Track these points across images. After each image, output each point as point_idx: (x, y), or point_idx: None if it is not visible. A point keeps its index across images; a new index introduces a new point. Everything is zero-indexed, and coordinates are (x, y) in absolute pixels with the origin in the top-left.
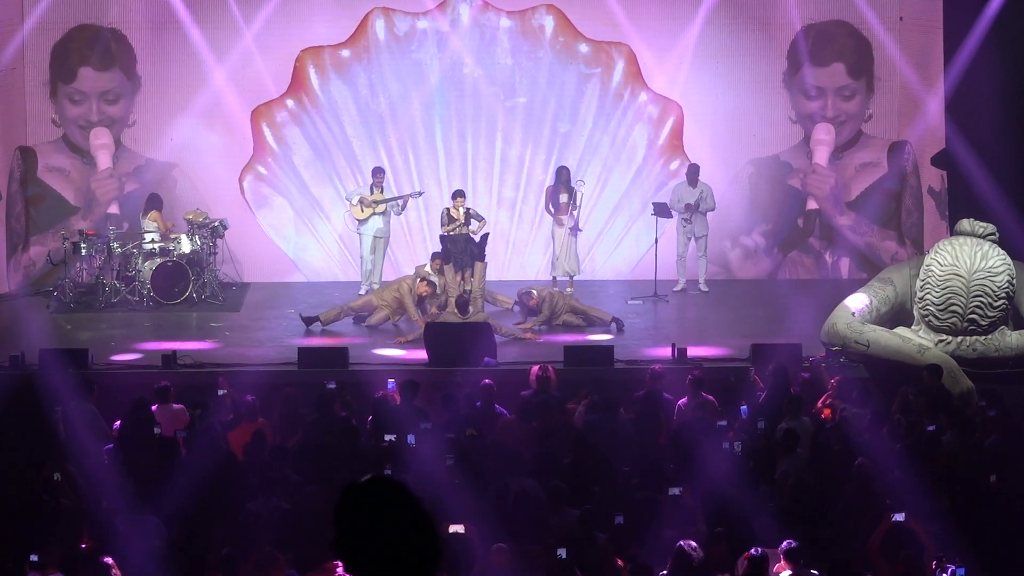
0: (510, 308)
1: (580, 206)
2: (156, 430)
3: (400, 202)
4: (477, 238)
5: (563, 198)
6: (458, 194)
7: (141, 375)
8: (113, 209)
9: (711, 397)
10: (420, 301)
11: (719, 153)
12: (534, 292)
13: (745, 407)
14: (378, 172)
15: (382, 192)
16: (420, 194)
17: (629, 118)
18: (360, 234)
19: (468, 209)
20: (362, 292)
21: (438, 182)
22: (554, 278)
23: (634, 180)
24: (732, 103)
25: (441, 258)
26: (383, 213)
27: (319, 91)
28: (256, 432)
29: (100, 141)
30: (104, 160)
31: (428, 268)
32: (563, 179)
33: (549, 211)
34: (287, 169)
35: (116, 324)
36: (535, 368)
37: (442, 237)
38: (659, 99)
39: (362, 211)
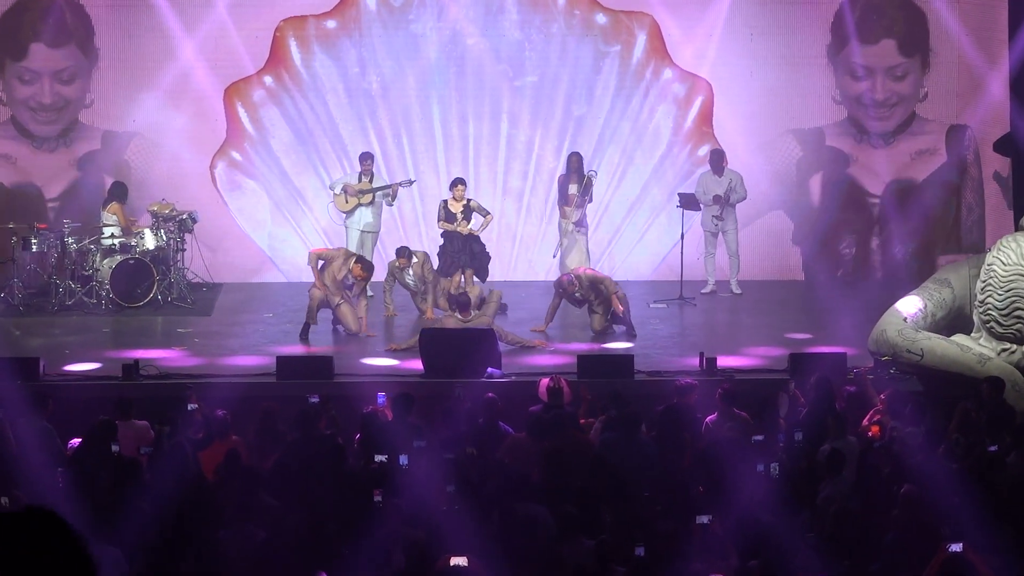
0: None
1: (590, 198)
2: (115, 448)
3: (390, 191)
4: (479, 232)
5: (572, 188)
6: (458, 183)
7: (99, 387)
8: (66, 199)
9: (744, 413)
10: (347, 283)
11: (753, 137)
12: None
13: (783, 424)
14: (366, 158)
15: (370, 181)
16: (412, 182)
17: (652, 98)
18: (345, 228)
19: (469, 201)
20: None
21: (435, 170)
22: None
23: (657, 168)
24: (768, 81)
25: (434, 260)
26: (371, 204)
27: (301, 67)
28: (229, 452)
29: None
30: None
31: (396, 263)
32: (574, 166)
33: (559, 204)
34: (265, 155)
35: (71, 329)
36: (545, 380)
37: (446, 234)
38: (686, 76)
39: (347, 201)
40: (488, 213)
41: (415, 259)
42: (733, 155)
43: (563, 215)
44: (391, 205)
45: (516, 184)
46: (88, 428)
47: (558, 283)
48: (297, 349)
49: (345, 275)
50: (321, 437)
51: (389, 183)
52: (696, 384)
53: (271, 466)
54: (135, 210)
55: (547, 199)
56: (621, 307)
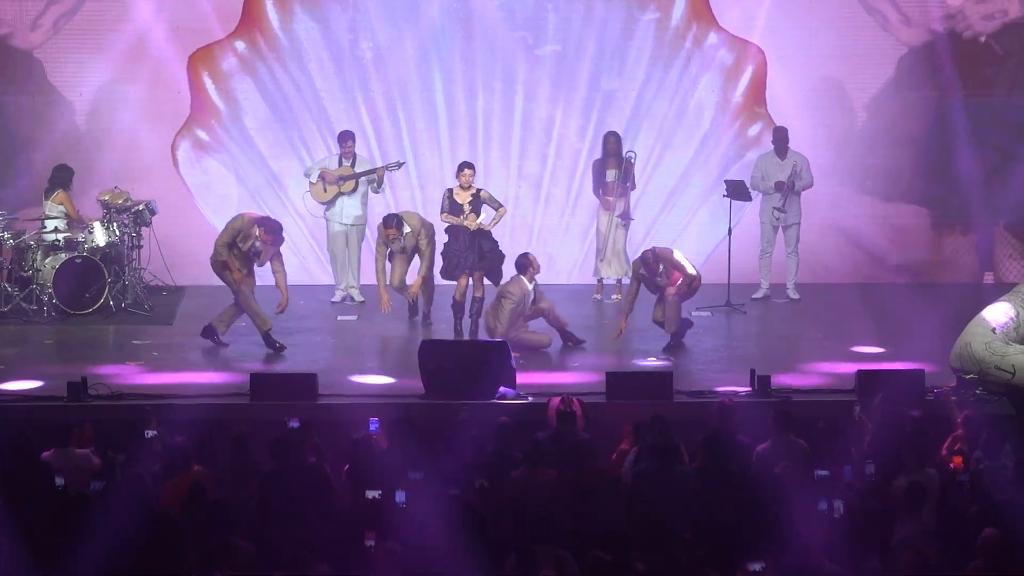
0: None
1: (633, 184)
2: (59, 481)
3: (375, 177)
4: (490, 227)
5: (611, 175)
6: (464, 168)
7: (41, 410)
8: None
9: (802, 441)
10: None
11: (814, 112)
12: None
13: (849, 454)
14: (346, 138)
15: (352, 164)
16: (400, 164)
17: (693, 68)
18: (326, 221)
19: (479, 191)
20: (335, 299)
21: (438, 152)
22: (599, 281)
23: (700, 151)
24: (831, 45)
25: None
26: (354, 192)
27: (279, 31)
28: (193, 485)
29: None
30: None
31: (386, 234)
32: (611, 149)
33: (597, 194)
34: (236, 134)
35: (7, 341)
36: (555, 401)
37: (450, 229)
38: (734, 42)
39: (325, 191)
40: (501, 205)
41: (407, 228)
42: (792, 136)
43: (605, 206)
44: (378, 192)
45: (533, 169)
46: (5, 453)
47: (641, 260)
48: (275, 365)
49: (252, 244)
50: (303, 468)
51: (372, 167)
52: (745, 406)
53: (244, 502)
54: (81, 200)
55: (570, 187)
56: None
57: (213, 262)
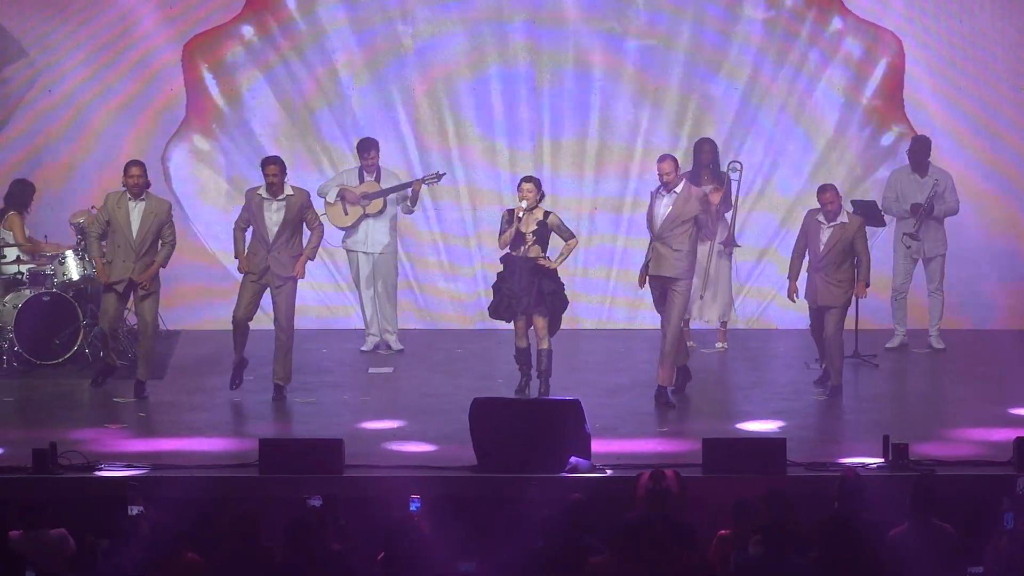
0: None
1: (732, 204)
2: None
3: (408, 193)
4: (557, 265)
5: (705, 190)
6: (523, 182)
7: (2, 483)
8: None
9: (948, 526)
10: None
11: (965, 117)
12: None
13: (1006, 543)
14: (368, 148)
15: (377, 179)
16: (440, 177)
17: (813, 61)
18: (346, 251)
19: (547, 215)
20: (365, 348)
21: (491, 162)
22: (686, 323)
23: (821, 164)
24: (984, 35)
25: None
26: (381, 213)
27: (297, 13)
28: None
29: None
30: None
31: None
32: (706, 159)
33: None
34: (241, 140)
35: None
36: (645, 476)
37: (506, 259)
38: (864, 28)
39: (345, 212)
40: (572, 236)
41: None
42: (935, 147)
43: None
44: (411, 212)
45: (611, 185)
46: None
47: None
48: (291, 428)
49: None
50: (325, 557)
51: (403, 182)
52: (876, 481)
53: None
54: (51, 224)
55: None
56: None
57: None
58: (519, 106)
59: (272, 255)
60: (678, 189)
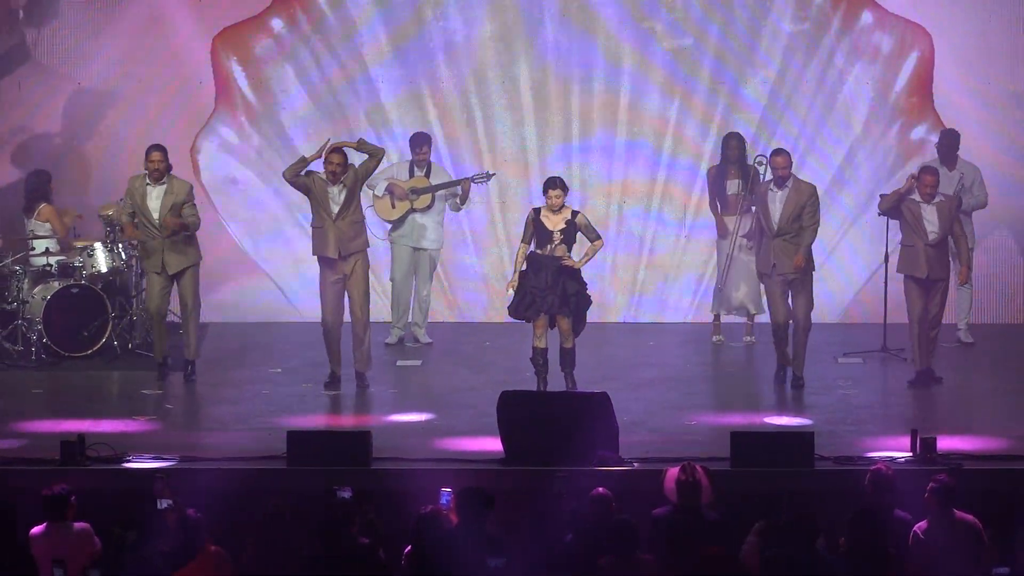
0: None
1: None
2: (58, 573)
3: (458, 191)
4: (582, 264)
5: (732, 186)
6: (549, 186)
7: (27, 475)
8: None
9: (972, 518)
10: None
11: (996, 113)
12: None
13: None
14: (420, 141)
15: (427, 174)
16: (490, 176)
17: (842, 55)
18: (390, 244)
19: (575, 214)
20: (390, 340)
21: (520, 155)
22: (716, 317)
23: (850, 159)
24: (1016, 31)
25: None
26: (429, 209)
27: (326, 6)
28: (213, 569)
29: None
30: None
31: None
32: (733, 155)
33: (714, 207)
34: (271, 133)
35: None
36: (672, 471)
37: (531, 258)
38: (894, 23)
39: (393, 207)
40: (599, 237)
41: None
42: (964, 142)
43: (722, 230)
44: (459, 210)
45: (640, 180)
46: None
47: None
48: (318, 420)
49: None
50: (354, 550)
51: (457, 178)
52: (905, 475)
53: None
54: (80, 215)
55: (689, 200)
56: None
57: None
58: (548, 99)
59: (167, 241)
60: (789, 183)
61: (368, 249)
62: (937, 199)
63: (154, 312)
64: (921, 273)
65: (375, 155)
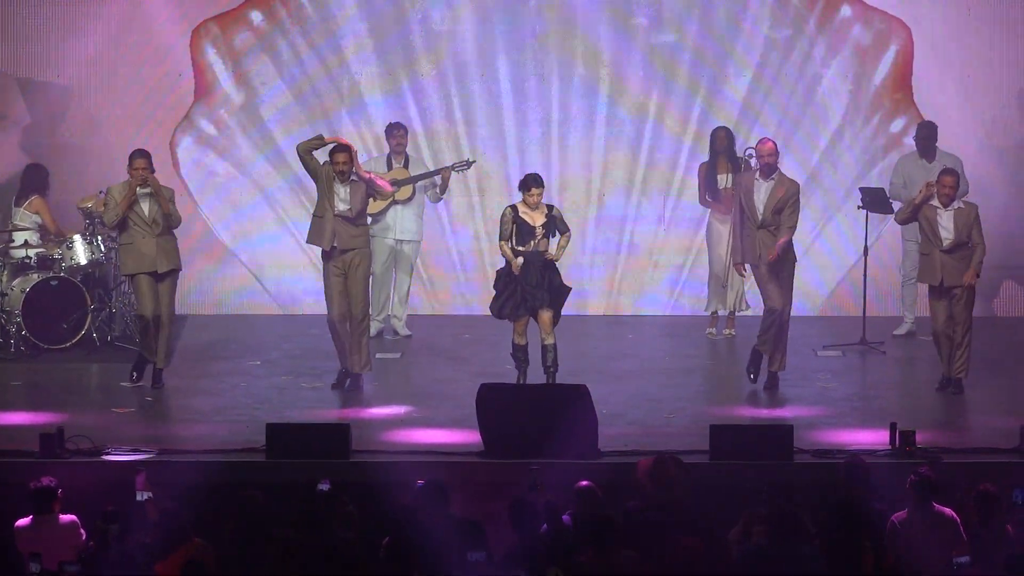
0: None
1: None
2: (35, 567)
3: (437, 180)
4: (558, 257)
5: (723, 180)
6: (532, 183)
7: (7, 468)
8: None
9: (951, 512)
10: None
11: (973, 105)
12: None
13: (1010, 533)
14: (395, 130)
15: (405, 165)
16: (470, 164)
17: (821, 48)
18: (371, 237)
19: (551, 207)
20: (372, 333)
21: (499, 147)
22: (713, 314)
23: (829, 151)
24: (993, 25)
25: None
26: (410, 200)
27: None
28: (190, 563)
29: None
30: None
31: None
32: (722, 145)
33: (705, 202)
34: (250, 127)
35: None
36: (644, 463)
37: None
38: (872, 15)
39: (374, 200)
40: (568, 230)
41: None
42: (942, 134)
43: (717, 220)
44: (438, 201)
45: (619, 173)
46: None
47: None
48: (298, 414)
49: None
50: (334, 542)
51: (434, 168)
52: (883, 468)
53: None
54: (59, 209)
55: (669, 192)
56: None
57: None
58: (527, 92)
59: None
60: (775, 176)
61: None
62: (955, 205)
63: (151, 317)
64: (935, 281)
65: (382, 195)
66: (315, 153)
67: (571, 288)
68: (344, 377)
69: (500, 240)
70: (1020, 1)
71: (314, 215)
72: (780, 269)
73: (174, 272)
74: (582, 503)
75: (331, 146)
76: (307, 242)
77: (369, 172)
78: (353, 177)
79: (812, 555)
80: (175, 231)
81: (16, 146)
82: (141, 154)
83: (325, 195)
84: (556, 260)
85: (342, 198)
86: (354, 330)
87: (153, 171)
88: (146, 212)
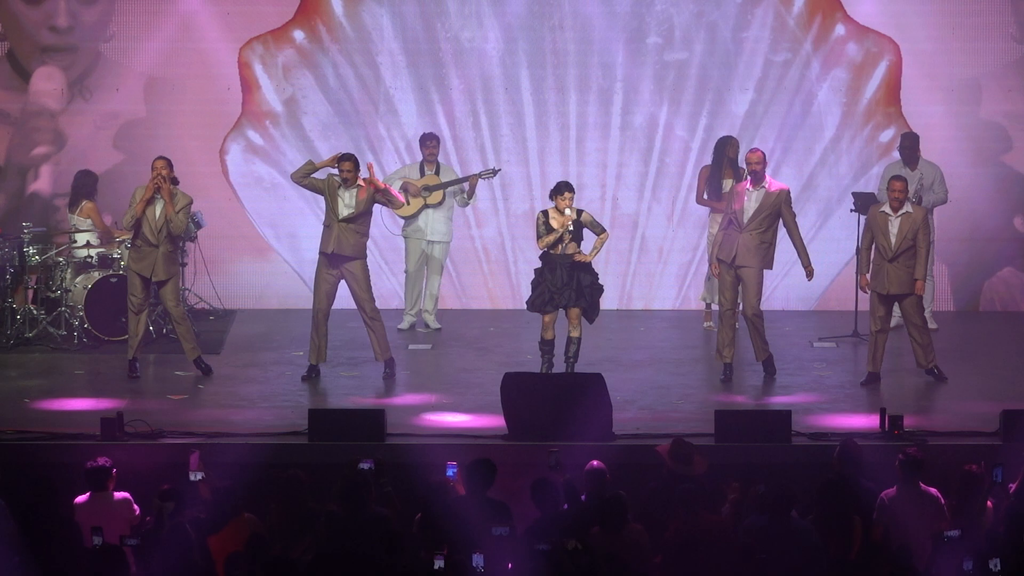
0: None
1: None
2: (97, 540)
3: (466, 187)
4: (592, 258)
5: (727, 185)
6: (564, 188)
7: (69, 449)
8: (43, 186)
9: (934, 490)
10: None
11: (957, 118)
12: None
13: (990, 511)
14: (428, 140)
15: (437, 172)
16: (496, 172)
17: (817, 64)
18: (404, 238)
19: (580, 213)
20: (403, 326)
21: (521, 155)
22: (708, 306)
23: (824, 159)
24: (977, 42)
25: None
26: (440, 205)
27: (344, 18)
28: (252, 537)
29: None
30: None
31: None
32: (726, 154)
33: (702, 200)
34: (293, 137)
35: (32, 371)
36: (663, 446)
37: (545, 257)
38: (864, 34)
39: (407, 203)
40: (604, 230)
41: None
42: (928, 145)
43: (715, 221)
44: (466, 205)
45: (632, 176)
46: (31, 501)
47: None
48: (337, 399)
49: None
50: (372, 520)
51: (463, 176)
52: (873, 450)
53: (301, 558)
54: (117, 210)
55: (677, 196)
56: None
57: None
58: (547, 104)
59: (160, 251)
60: (765, 184)
61: (375, 248)
62: (905, 210)
63: (137, 306)
64: (883, 290)
65: (395, 206)
66: (316, 175)
67: (603, 288)
68: (313, 371)
69: (537, 240)
70: (999, 21)
71: (324, 225)
72: (748, 273)
73: (173, 278)
74: (591, 483)
75: (335, 161)
76: (319, 250)
77: (387, 184)
78: (359, 183)
79: (803, 530)
80: (178, 236)
81: (79, 153)
82: (161, 159)
83: (331, 204)
84: (588, 260)
85: (346, 203)
86: (369, 326)
87: (177, 181)
88: (156, 218)
